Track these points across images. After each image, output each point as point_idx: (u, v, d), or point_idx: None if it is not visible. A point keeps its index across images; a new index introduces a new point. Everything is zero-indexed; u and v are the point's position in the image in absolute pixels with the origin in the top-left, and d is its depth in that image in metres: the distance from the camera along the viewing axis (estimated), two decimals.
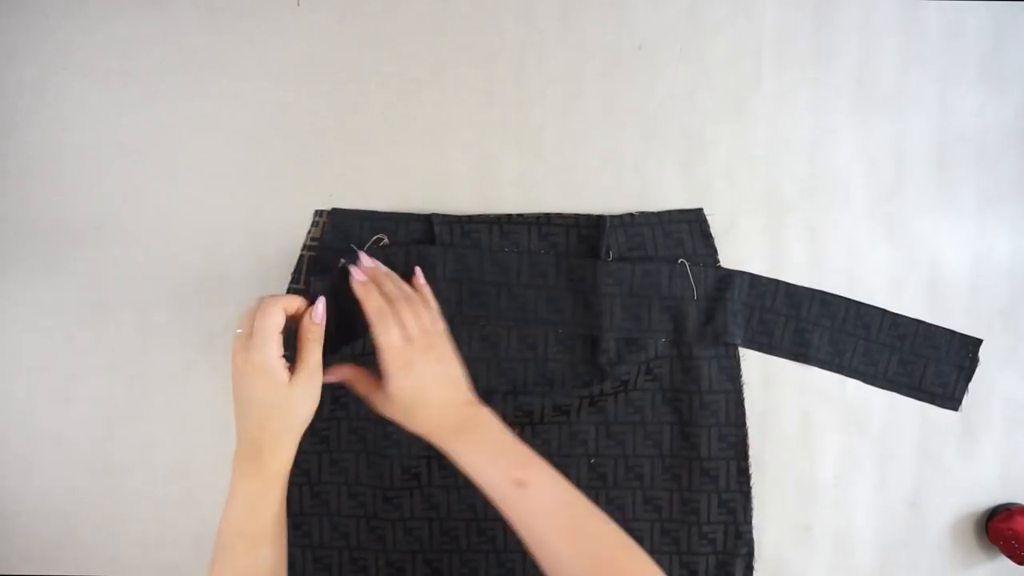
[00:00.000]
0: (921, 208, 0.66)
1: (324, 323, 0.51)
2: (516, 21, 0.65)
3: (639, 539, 0.63)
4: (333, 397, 0.63)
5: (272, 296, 0.50)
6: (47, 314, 0.65)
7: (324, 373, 0.51)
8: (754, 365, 0.65)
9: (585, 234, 0.64)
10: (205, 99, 0.65)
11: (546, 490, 0.49)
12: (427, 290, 0.59)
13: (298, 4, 0.64)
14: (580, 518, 0.48)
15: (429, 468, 0.63)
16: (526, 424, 0.63)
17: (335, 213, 0.63)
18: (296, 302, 0.50)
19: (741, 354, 0.64)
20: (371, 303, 0.52)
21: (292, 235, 0.64)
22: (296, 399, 0.49)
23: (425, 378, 0.51)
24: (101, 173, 0.65)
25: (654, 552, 0.63)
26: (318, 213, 0.64)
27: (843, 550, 0.66)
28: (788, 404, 0.66)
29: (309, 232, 0.64)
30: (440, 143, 0.65)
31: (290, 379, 0.49)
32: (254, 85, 0.65)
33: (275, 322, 0.48)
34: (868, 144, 0.65)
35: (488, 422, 0.52)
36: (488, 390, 0.63)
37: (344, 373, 0.54)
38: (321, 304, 0.51)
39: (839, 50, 0.65)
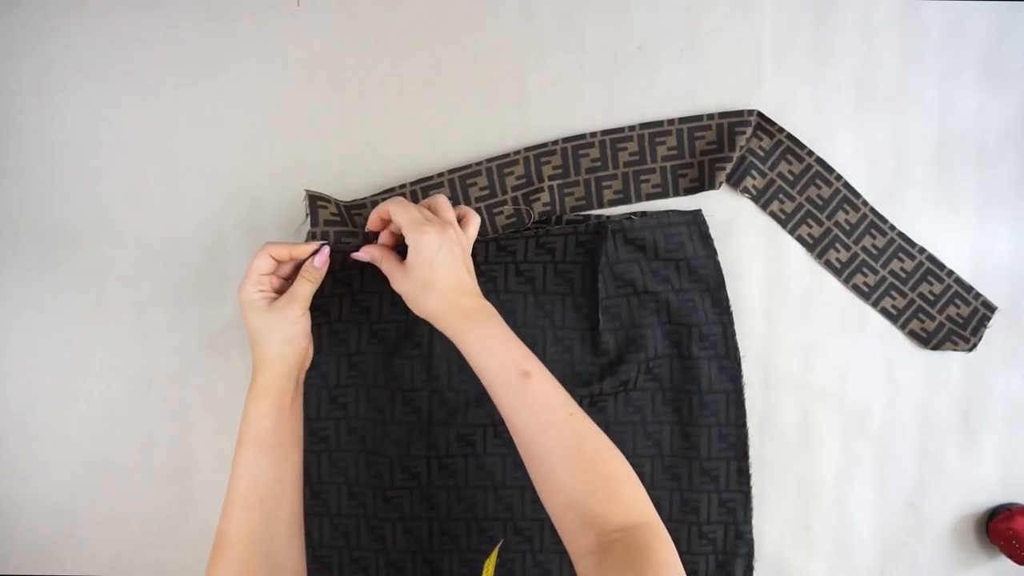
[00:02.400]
0: (921, 208, 0.66)
1: (324, 269, 0.56)
2: (516, 21, 0.65)
3: None
4: (331, 396, 0.63)
5: (267, 244, 0.54)
6: (46, 314, 0.65)
7: (357, 252, 0.57)
8: (754, 365, 0.65)
9: (583, 239, 0.64)
10: (205, 99, 0.65)
11: (547, 385, 0.51)
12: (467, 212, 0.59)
13: (298, 4, 0.64)
14: (572, 415, 0.50)
15: (429, 468, 0.63)
16: None
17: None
18: (285, 249, 0.55)
19: (741, 354, 0.64)
20: (399, 208, 0.55)
21: (292, 235, 0.64)
22: (272, 321, 0.54)
23: (442, 254, 0.53)
24: (100, 173, 0.65)
25: None
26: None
27: (843, 550, 0.66)
28: (788, 404, 0.66)
29: (308, 231, 0.63)
30: (440, 143, 0.65)
31: (270, 305, 0.54)
32: (254, 85, 0.65)
33: (259, 265, 0.54)
34: (868, 144, 0.65)
35: (495, 315, 0.54)
36: None
37: (373, 252, 0.57)
38: (324, 253, 0.56)
39: (839, 50, 0.65)
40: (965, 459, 0.66)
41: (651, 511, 0.48)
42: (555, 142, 0.64)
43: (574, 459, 0.49)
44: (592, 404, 0.63)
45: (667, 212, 0.64)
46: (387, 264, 0.56)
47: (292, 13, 0.64)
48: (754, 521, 0.64)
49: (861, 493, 0.66)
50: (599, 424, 0.63)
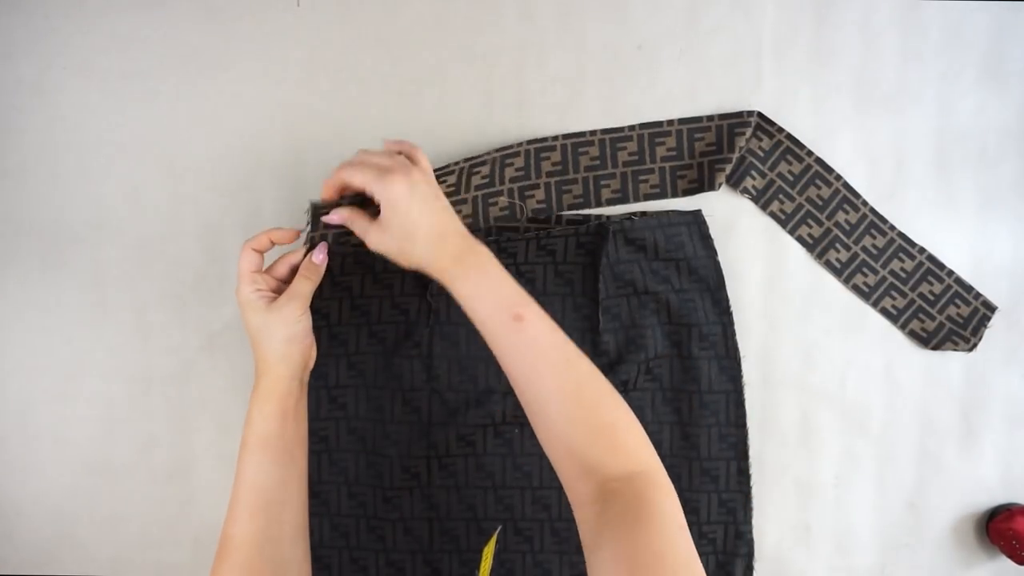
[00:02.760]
0: (921, 208, 0.66)
1: (323, 265, 0.55)
2: (516, 21, 0.65)
3: None
4: (331, 397, 0.63)
5: (249, 240, 0.54)
6: (47, 314, 0.65)
7: (327, 215, 0.54)
8: (754, 365, 0.65)
9: (584, 240, 0.64)
10: (205, 99, 0.65)
11: (542, 328, 0.50)
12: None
13: (298, 4, 0.64)
14: (569, 359, 0.49)
15: (429, 468, 0.63)
16: (526, 424, 0.63)
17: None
18: (263, 238, 0.54)
19: (741, 354, 0.64)
20: (353, 171, 0.53)
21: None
22: (272, 321, 0.53)
23: (416, 199, 0.51)
24: (101, 173, 0.65)
25: None
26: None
27: (843, 550, 0.66)
28: (788, 404, 0.66)
29: (306, 230, 0.63)
30: (440, 143, 0.65)
31: (269, 305, 0.53)
32: (254, 85, 0.65)
33: (247, 263, 0.53)
34: (868, 144, 0.65)
35: (487, 255, 0.52)
36: (488, 390, 0.63)
37: (342, 213, 0.54)
38: (322, 250, 0.55)
39: (839, 50, 0.65)
40: (965, 459, 0.66)
41: (652, 458, 0.47)
42: (555, 137, 0.64)
43: (572, 406, 0.48)
44: None
45: (667, 212, 0.64)
46: (359, 225, 0.53)
47: (292, 13, 0.64)
48: (754, 521, 0.64)
49: (861, 493, 0.66)
50: None
